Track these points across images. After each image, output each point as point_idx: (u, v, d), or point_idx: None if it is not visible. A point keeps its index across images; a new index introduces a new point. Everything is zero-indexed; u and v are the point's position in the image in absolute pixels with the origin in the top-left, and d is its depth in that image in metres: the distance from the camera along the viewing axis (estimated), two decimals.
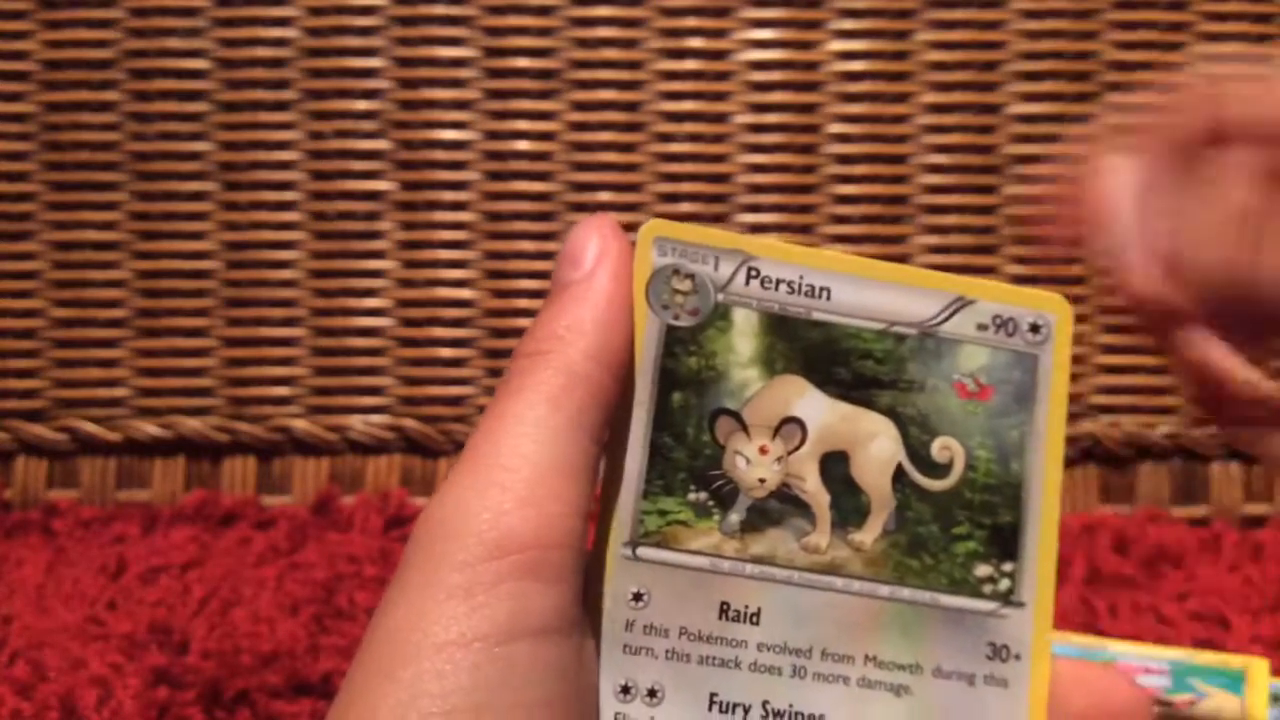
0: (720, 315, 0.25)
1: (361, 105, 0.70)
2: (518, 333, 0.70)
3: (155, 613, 0.56)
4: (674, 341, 0.25)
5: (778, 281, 0.26)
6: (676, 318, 0.25)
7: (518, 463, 0.22)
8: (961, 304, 0.26)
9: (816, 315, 0.26)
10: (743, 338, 0.25)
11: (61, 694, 0.49)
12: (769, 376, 0.25)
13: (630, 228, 0.25)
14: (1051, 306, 0.26)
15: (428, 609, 0.21)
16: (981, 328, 0.26)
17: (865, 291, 0.26)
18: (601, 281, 0.24)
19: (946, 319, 0.26)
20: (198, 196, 0.70)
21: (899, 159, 0.70)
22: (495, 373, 0.71)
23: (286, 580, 0.59)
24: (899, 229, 0.71)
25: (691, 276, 0.25)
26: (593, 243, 0.24)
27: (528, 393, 0.23)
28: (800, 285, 0.26)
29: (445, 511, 0.22)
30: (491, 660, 0.21)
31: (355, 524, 0.66)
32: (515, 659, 0.21)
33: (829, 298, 0.26)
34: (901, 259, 0.70)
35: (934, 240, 0.70)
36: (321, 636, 0.55)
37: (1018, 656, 0.25)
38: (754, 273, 0.25)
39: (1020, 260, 0.70)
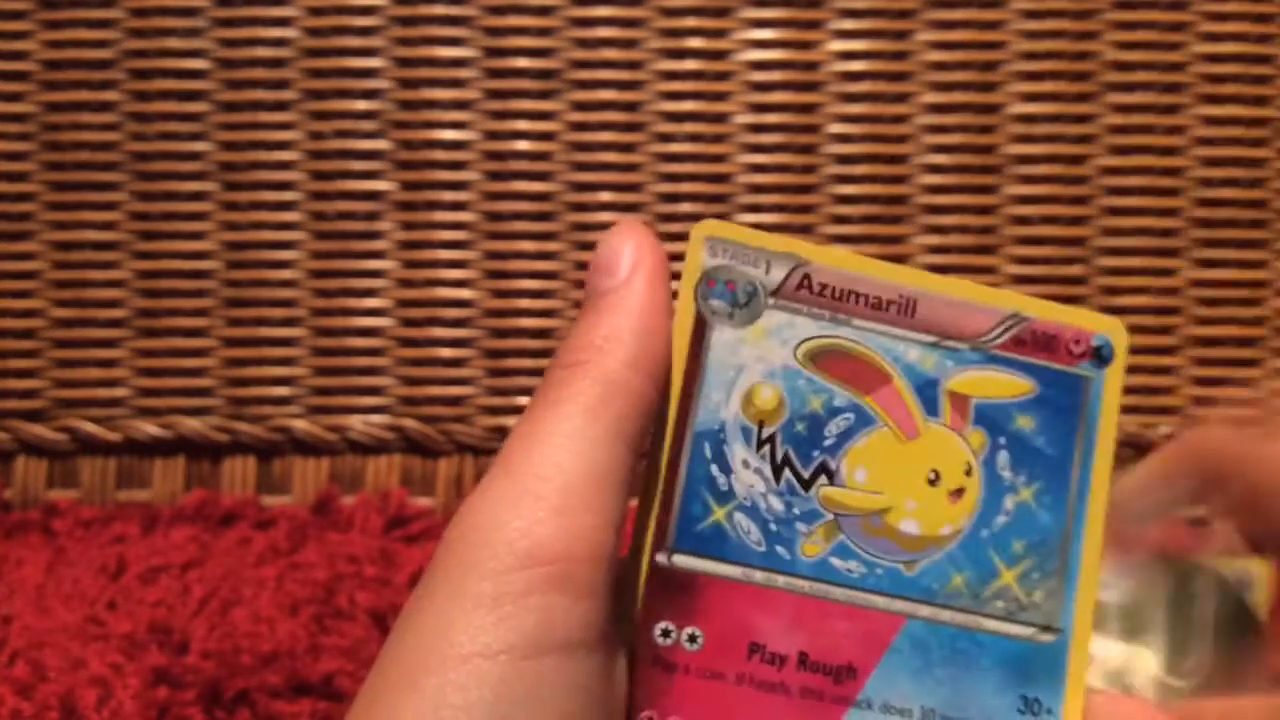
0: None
1: (361, 105, 0.70)
2: (518, 333, 0.70)
3: (155, 613, 0.56)
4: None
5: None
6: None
7: (552, 472, 0.22)
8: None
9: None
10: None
11: (61, 694, 0.49)
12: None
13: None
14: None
15: (454, 618, 0.21)
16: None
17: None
18: (638, 289, 0.23)
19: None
20: (198, 196, 0.70)
21: (899, 159, 0.70)
22: (495, 372, 0.71)
23: (286, 580, 0.59)
24: (899, 229, 0.71)
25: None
26: (628, 249, 0.24)
27: (565, 404, 0.23)
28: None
29: (477, 519, 0.22)
30: (517, 674, 0.21)
31: (355, 524, 0.66)
32: (541, 674, 0.21)
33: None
34: (901, 259, 0.70)
35: (934, 240, 0.70)
36: (321, 636, 0.54)
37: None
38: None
39: (1020, 261, 0.70)
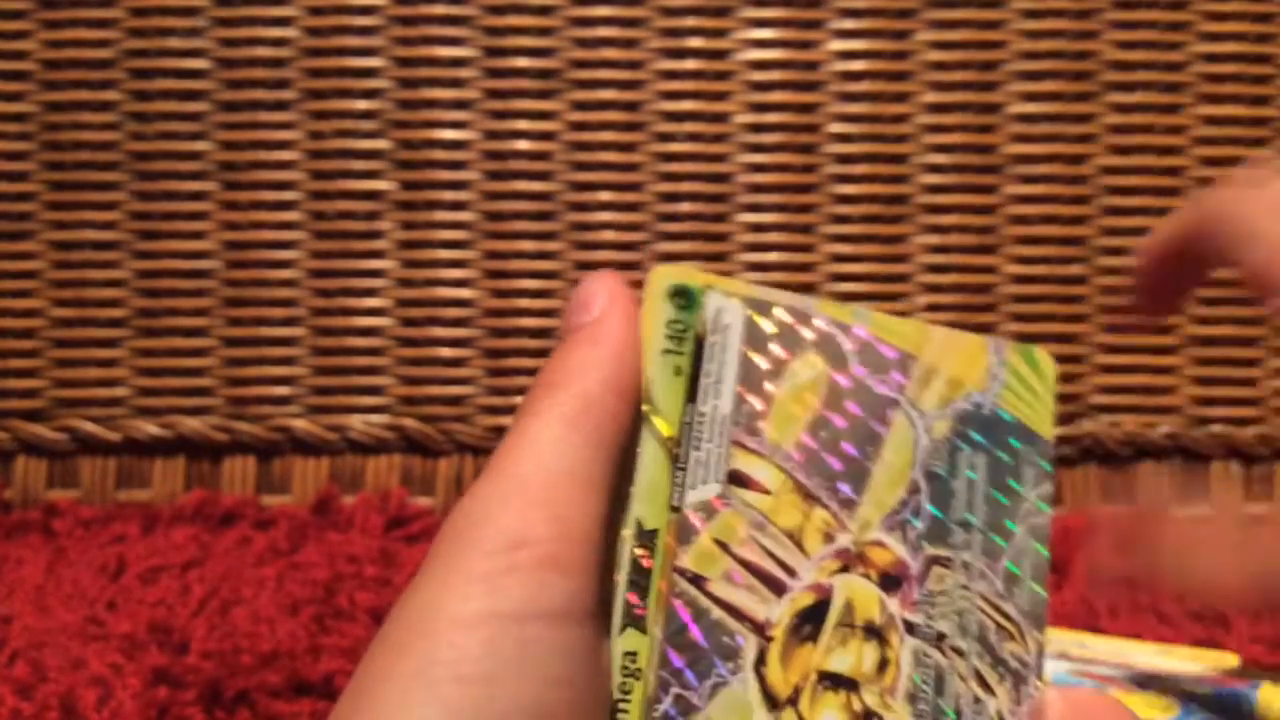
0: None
1: (361, 105, 0.70)
2: (518, 332, 0.70)
3: (155, 613, 0.56)
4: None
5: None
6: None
7: (539, 473, 0.24)
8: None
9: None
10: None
11: (61, 694, 0.49)
12: None
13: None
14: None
15: (446, 590, 0.22)
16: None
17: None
18: (612, 324, 0.26)
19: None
20: (198, 196, 0.70)
21: (899, 159, 0.70)
22: (495, 372, 0.71)
23: (286, 580, 0.59)
24: (899, 229, 0.71)
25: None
26: (603, 291, 0.26)
27: (546, 414, 0.25)
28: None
29: (469, 514, 0.23)
30: (505, 635, 0.22)
31: (355, 524, 0.66)
32: (530, 638, 0.22)
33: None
34: (902, 259, 0.71)
35: (934, 240, 0.70)
36: (321, 636, 0.54)
37: None
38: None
39: (1020, 260, 0.70)
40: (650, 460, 0.25)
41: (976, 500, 0.26)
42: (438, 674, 0.21)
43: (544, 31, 0.70)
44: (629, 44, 0.70)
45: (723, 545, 0.24)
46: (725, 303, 0.26)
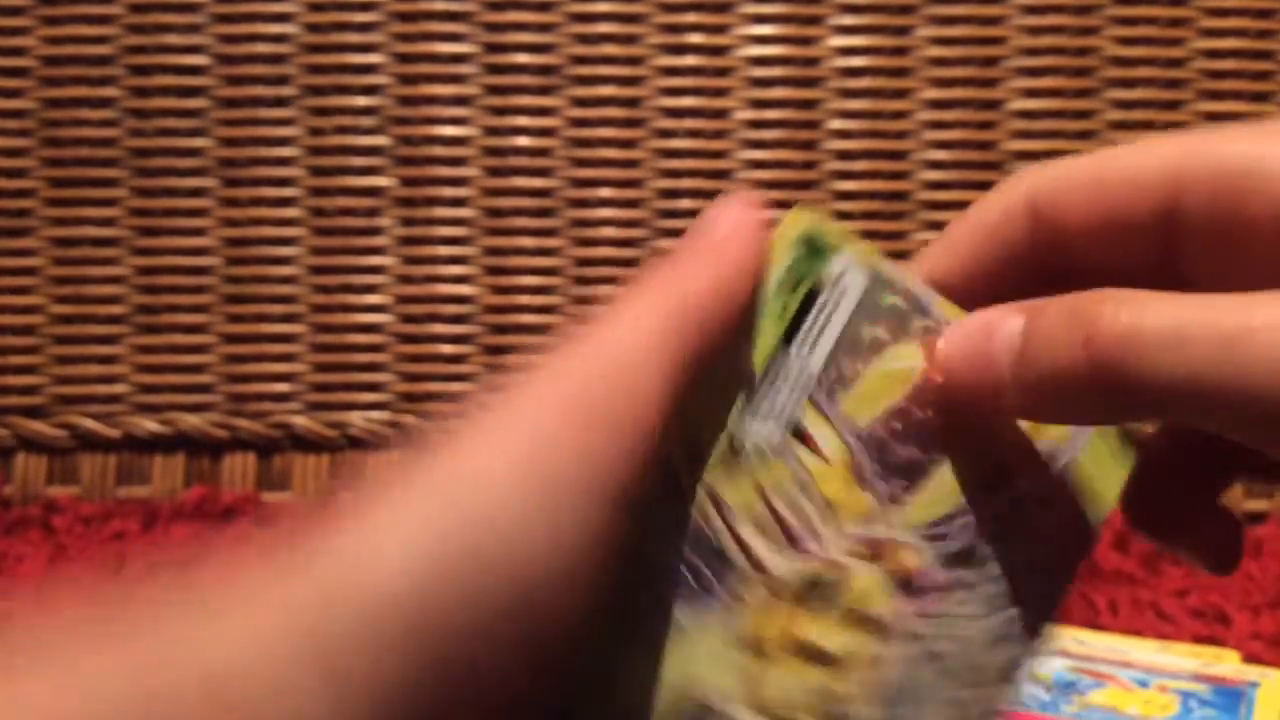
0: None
1: (361, 101, 0.70)
2: (518, 329, 0.70)
3: None
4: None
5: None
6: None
7: (620, 350, 0.22)
8: None
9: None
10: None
11: None
12: None
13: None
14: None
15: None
16: None
17: None
18: (731, 244, 0.24)
19: None
20: (197, 193, 0.70)
21: (899, 155, 0.70)
22: (495, 369, 0.71)
23: None
24: (899, 225, 0.70)
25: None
26: (730, 216, 0.25)
27: (645, 300, 0.23)
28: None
29: (543, 367, 0.23)
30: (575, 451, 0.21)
31: None
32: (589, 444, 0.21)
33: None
34: (902, 255, 0.70)
35: (934, 237, 0.70)
36: None
37: None
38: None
39: None
40: (724, 384, 0.25)
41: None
42: (509, 437, 0.21)
43: (544, 28, 0.70)
44: (629, 40, 0.70)
45: (761, 490, 0.24)
46: (851, 265, 0.26)
